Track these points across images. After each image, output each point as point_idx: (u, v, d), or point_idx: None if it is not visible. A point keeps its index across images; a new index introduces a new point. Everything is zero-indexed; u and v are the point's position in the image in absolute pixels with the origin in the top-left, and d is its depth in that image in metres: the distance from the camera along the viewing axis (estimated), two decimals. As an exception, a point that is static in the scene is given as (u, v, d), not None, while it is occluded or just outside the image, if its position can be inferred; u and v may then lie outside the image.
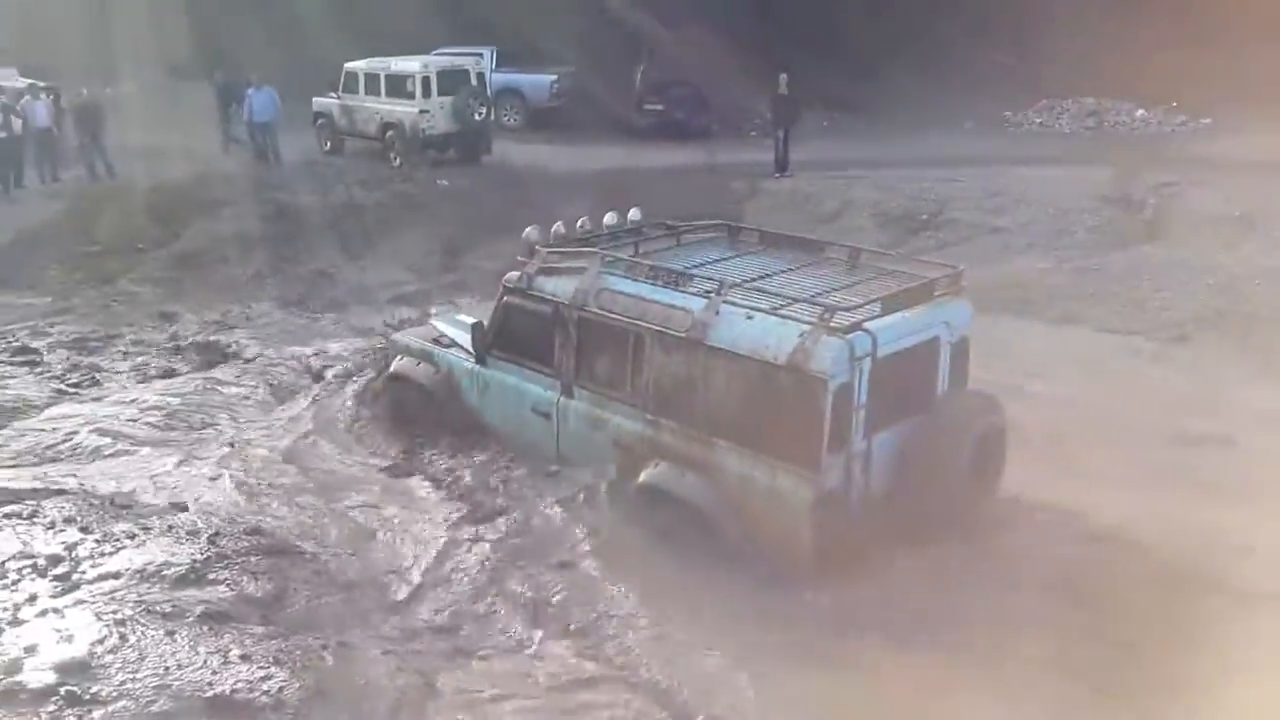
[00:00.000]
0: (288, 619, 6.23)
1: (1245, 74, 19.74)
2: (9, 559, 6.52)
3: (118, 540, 6.81)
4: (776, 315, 6.69)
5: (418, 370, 8.79)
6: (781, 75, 18.97)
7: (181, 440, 8.98)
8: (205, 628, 5.95)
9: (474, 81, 20.40)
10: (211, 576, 6.48)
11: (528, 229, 8.27)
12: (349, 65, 20.68)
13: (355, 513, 7.67)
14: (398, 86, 20.04)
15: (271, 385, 10.07)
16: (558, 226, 8.33)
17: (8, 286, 14.98)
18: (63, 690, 5.32)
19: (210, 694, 5.40)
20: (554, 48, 23.76)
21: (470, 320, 8.65)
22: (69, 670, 5.48)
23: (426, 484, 7.99)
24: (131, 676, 5.47)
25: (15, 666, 5.48)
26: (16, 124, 18.56)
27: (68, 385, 10.27)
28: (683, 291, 7.15)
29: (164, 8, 24.76)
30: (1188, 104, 22.15)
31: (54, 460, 8.52)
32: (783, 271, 7.58)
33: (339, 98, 20.83)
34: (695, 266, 7.57)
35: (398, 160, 19.74)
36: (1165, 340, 11.49)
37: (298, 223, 16.34)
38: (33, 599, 6.12)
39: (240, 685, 5.47)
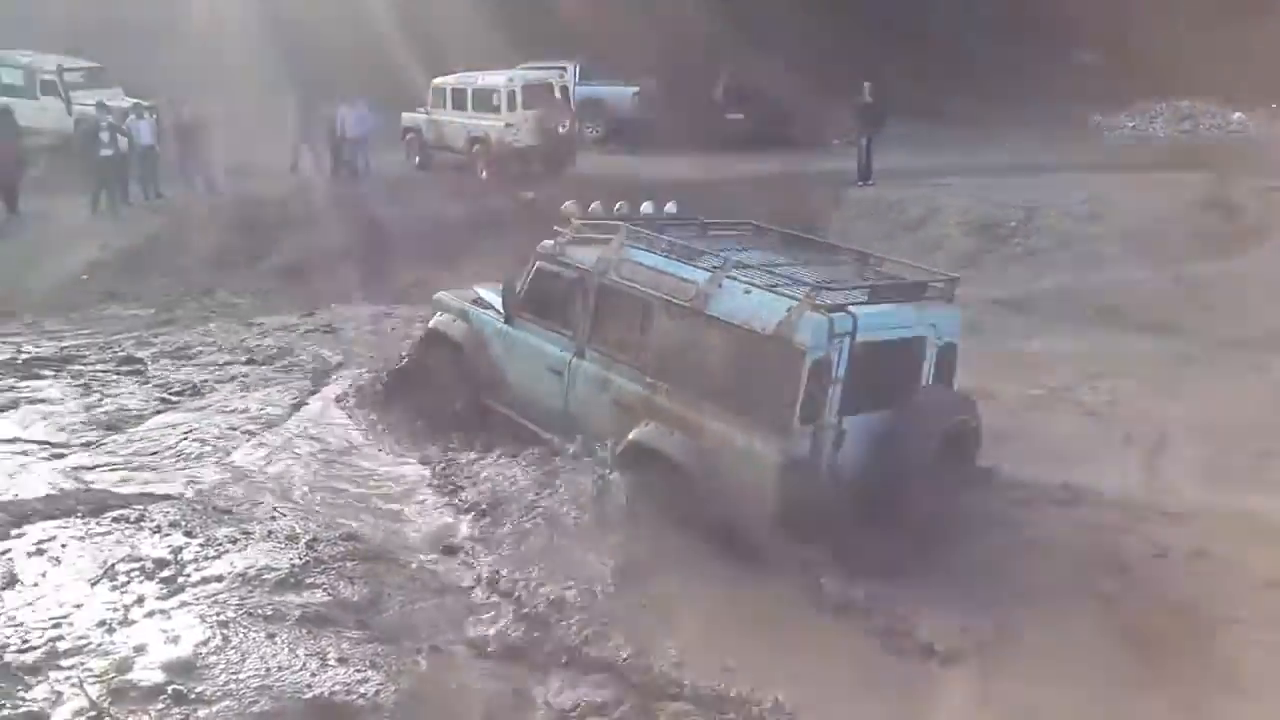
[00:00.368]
0: (383, 623, 6.35)
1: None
2: (118, 561, 6.74)
3: (220, 544, 7.01)
4: (771, 291, 7.18)
5: (453, 326, 9.48)
6: (865, 83, 18.85)
7: (279, 447, 9.21)
8: (304, 630, 6.10)
9: (558, 95, 20.63)
10: (309, 581, 6.64)
11: (566, 202, 9.01)
12: (437, 81, 21.07)
13: (449, 518, 7.79)
14: (484, 101, 20.37)
15: (366, 394, 10.29)
16: (595, 205, 8.91)
17: (114, 299, 15.63)
18: (170, 689, 5.48)
19: (309, 695, 5.53)
20: (636, 60, 23.89)
21: None
22: (175, 670, 5.65)
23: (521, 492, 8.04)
24: (234, 677, 5.63)
25: (126, 665, 5.67)
26: (123, 142, 19.23)
27: (170, 394, 10.58)
28: (694, 266, 7.69)
29: (257, 28, 25.46)
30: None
31: (158, 467, 8.80)
32: (791, 264, 7.95)
33: (427, 113, 21.22)
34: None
35: (484, 173, 20.04)
36: (1267, 350, 11.13)
37: (388, 235, 16.71)
38: (141, 600, 6.33)
39: (338, 688, 5.60)
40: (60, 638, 5.87)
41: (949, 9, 23.19)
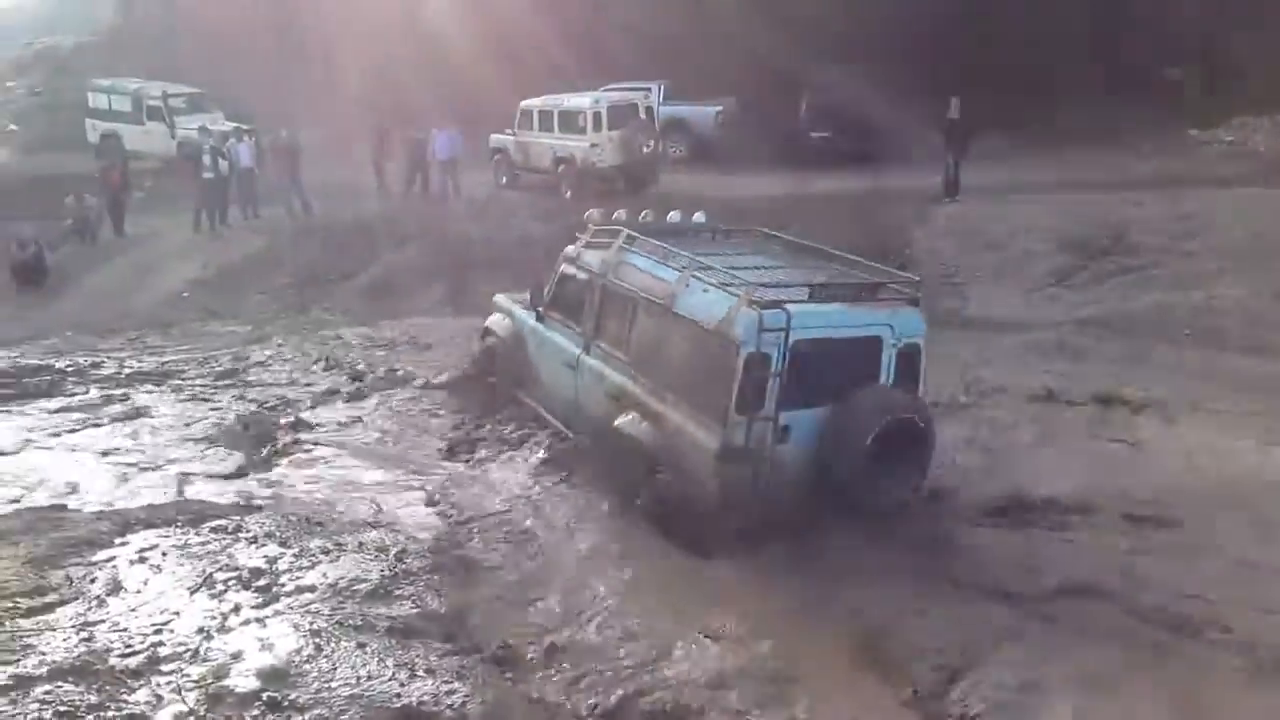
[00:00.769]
0: (468, 635, 6.48)
1: None
2: (216, 570, 6.98)
3: (313, 555, 7.23)
4: (724, 290, 7.50)
5: (501, 324, 10.36)
6: (953, 99, 18.56)
7: (368, 459, 9.46)
8: (393, 641, 6.25)
9: (643, 115, 20.79)
10: (398, 592, 6.82)
11: (590, 210, 9.78)
12: (524, 103, 21.37)
13: (539, 530, 7.89)
14: (570, 122, 20.61)
15: (453, 408, 10.49)
16: (619, 213, 9.55)
17: (214, 316, 16.19)
18: (264, 696, 5.66)
19: (398, 705, 5.66)
20: (718, 80, 23.93)
21: None
22: (270, 677, 5.83)
23: (607, 506, 8.13)
24: (326, 685, 5.79)
25: (222, 671, 5.87)
26: (223, 165, 19.92)
27: (264, 408, 10.91)
28: (669, 267, 8.12)
29: (352, 57, 26.07)
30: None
31: (253, 478, 9.10)
32: (775, 266, 8.32)
33: (514, 134, 21.55)
34: (703, 255, 8.27)
35: (568, 193, 20.27)
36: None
37: (476, 254, 16.98)
38: (237, 609, 6.55)
39: (426, 698, 5.72)
40: (161, 643, 6.10)
41: (1041, 26, 22.69)
